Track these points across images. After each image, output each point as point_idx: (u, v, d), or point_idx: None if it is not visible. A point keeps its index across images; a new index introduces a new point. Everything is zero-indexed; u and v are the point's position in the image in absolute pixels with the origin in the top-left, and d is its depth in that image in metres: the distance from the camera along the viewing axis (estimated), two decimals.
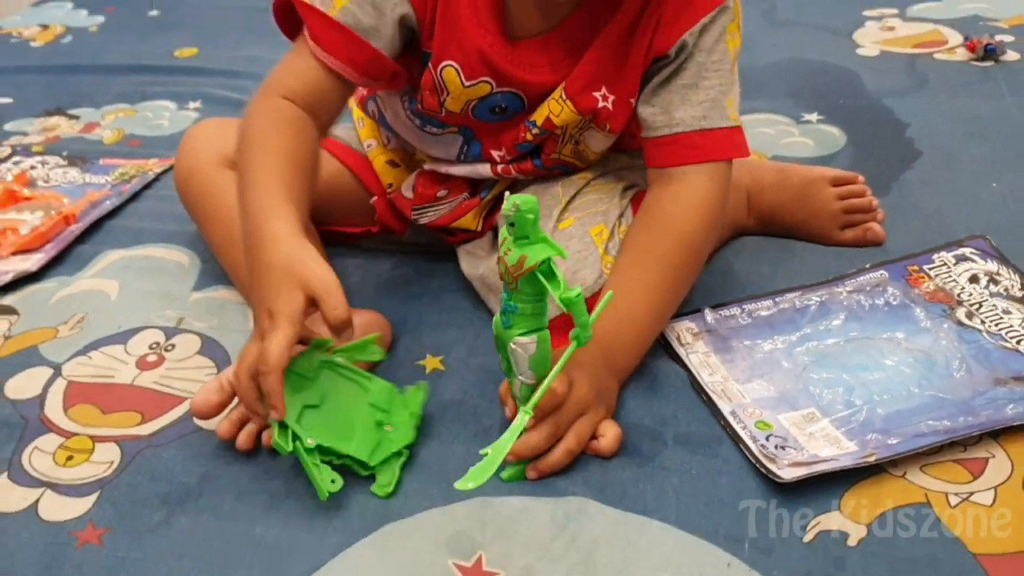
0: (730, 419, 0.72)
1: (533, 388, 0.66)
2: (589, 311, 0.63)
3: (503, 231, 0.63)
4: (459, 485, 0.59)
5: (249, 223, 0.72)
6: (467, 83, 0.81)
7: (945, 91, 1.24)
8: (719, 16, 0.78)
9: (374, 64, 0.79)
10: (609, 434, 0.70)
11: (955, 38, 1.38)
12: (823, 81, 1.29)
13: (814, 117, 1.20)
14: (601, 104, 0.82)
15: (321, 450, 0.68)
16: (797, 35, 1.45)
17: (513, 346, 0.66)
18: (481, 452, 0.61)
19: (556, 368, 0.64)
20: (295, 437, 0.67)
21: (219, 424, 0.74)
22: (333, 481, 0.67)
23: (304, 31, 0.79)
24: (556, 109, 0.82)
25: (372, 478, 0.69)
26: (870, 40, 1.41)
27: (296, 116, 0.78)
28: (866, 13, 1.51)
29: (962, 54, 1.33)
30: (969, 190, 1.01)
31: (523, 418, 0.63)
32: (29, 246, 1.04)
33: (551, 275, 0.61)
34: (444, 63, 0.80)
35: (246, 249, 0.72)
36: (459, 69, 0.80)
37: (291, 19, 0.81)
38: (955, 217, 0.96)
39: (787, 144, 1.14)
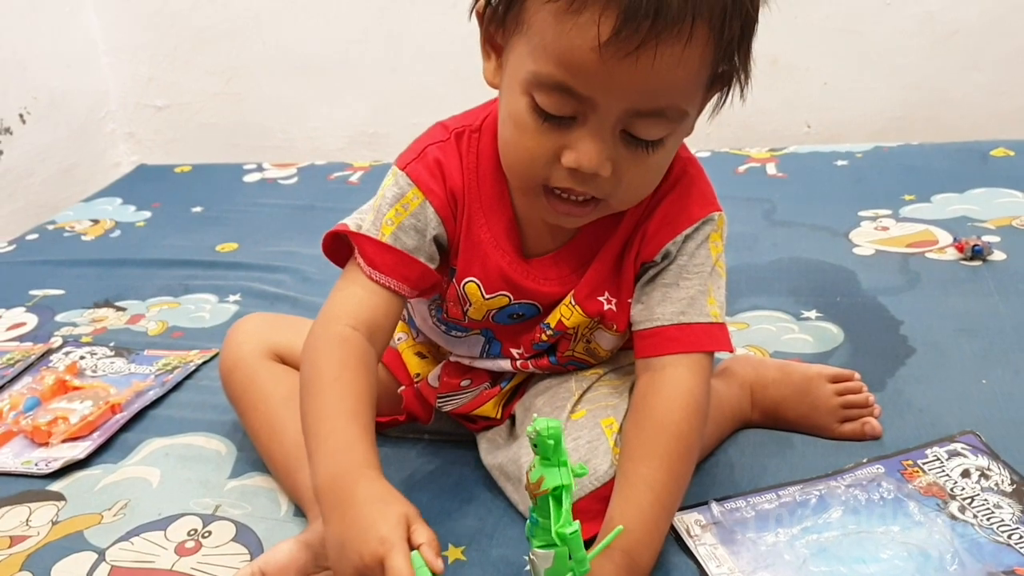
0: None
1: None
2: (596, 504, 0.69)
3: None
4: None
5: (332, 462, 0.75)
6: (487, 296, 0.90)
7: (937, 289, 1.30)
8: (702, 227, 0.87)
9: (424, 278, 0.87)
10: None
11: (945, 238, 1.46)
12: (821, 279, 1.37)
13: (813, 314, 1.27)
14: (606, 307, 0.90)
15: None
16: (796, 235, 1.54)
17: (532, 556, 0.71)
18: None
19: None
20: None
21: None
22: None
23: (357, 259, 0.87)
24: (567, 313, 0.90)
25: None
26: (865, 239, 1.50)
27: (363, 350, 0.83)
28: (862, 214, 1.59)
29: (952, 254, 1.41)
30: (960, 386, 1.06)
31: None
32: (78, 434, 1.11)
33: (559, 503, 0.67)
34: (467, 279, 0.89)
35: (323, 483, 0.74)
36: (480, 284, 0.89)
37: (338, 251, 0.90)
38: (947, 413, 1.01)
39: (788, 340, 1.21)
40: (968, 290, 1.30)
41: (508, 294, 0.90)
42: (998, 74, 2.00)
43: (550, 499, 0.67)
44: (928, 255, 1.42)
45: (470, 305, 0.91)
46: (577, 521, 0.68)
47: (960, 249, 1.40)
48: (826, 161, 1.88)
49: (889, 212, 1.60)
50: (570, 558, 0.69)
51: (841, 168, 1.84)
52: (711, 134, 2.09)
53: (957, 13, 1.97)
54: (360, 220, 0.90)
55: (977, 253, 1.37)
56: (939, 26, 1.98)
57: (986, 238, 1.41)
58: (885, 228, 1.54)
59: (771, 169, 1.87)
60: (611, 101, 0.73)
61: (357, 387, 0.80)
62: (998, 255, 1.38)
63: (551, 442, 0.66)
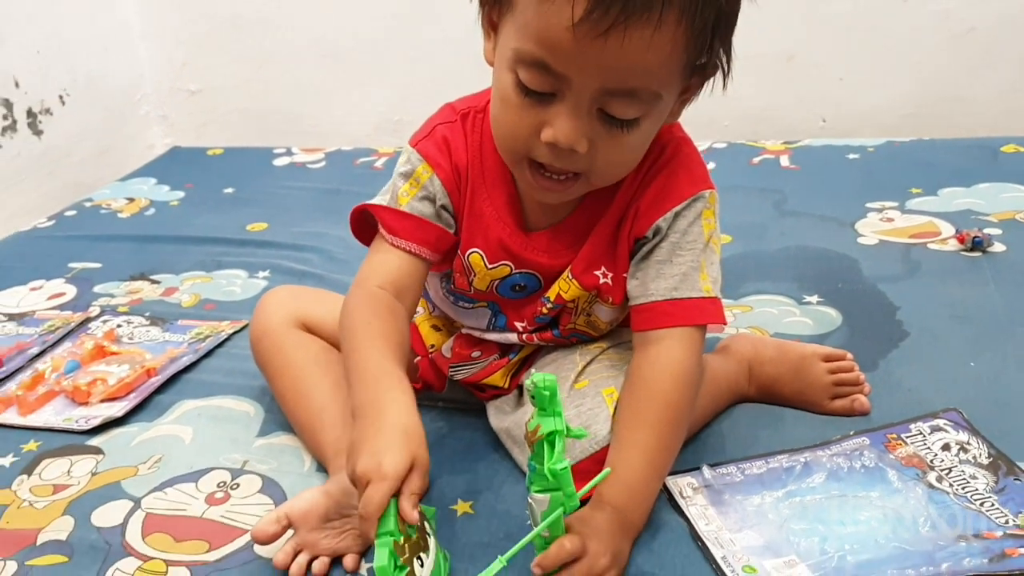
0: (721, 563, 0.83)
1: (546, 540, 0.78)
2: (596, 467, 0.77)
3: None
4: None
5: (369, 387, 0.81)
6: (490, 266, 0.96)
7: (935, 278, 1.35)
8: (693, 204, 0.92)
9: (441, 240, 0.94)
10: None
11: (948, 230, 1.51)
12: (825, 266, 1.42)
13: (814, 299, 1.32)
14: (602, 281, 0.96)
15: None
16: (804, 224, 1.59)
17: (530, 500, 0.77)
18: None
19: (541, 525, 0.76)
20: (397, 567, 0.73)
21: (275, 554, 0.85)
22: None
23: (380, 230, 0.94)
24: (565, 287, 0.97)
25: None
26: (870, 230, 1.54)
27: (391, 304, 0.90)
28: (869, 205, 1.64)
29: (953, 245, 1.45)
30: (949, 368, 1.12)
31: (499, 563, 0.73)
32: (116, 395, 1.18)
33: (552, 446, 0.74)
34: (471, 250, 0.96)
35: (360, 405, 0.80)
36: (483, 255, 0.96)
37: (364, 232, 0.97)
38: (934, 392, 1.06)
39: (788, 323, 1.26)
40: (966, 279, 1.34)
41: (509, 263, 0.96)
42: (1013, 72, 2.03)
43: (544, 444, 0.73)
44: (930, 246, 1.47)
45: (475, 275, 0.97)
46: (567, 459, 0.74)
47: (961, 240, 1.45)
48: (838, 154, 1.92)
49: (895, 204, 1.64)
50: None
51: (852, 161, 1.88)
52: (729, 126, 2.15)
53: (973, 11, 2.00)
54: (381, 199, 0.97)
55: (977, 244, 1.42)
56: (955, 23, 2.02)
57: (988, 230, 1.46)
58: (890, 219, 1.58)
59: (784, 161, 1.92)
60: (584, 79, 0.78)
61: (386, 329, 0.87)
62: (998, 247, 1.43)
63: (547, 393, 0.72)
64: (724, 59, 0.84)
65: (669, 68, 0.80)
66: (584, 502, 0.84)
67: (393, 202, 0.94)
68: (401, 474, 0.73)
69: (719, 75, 0.85)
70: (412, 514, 0.73)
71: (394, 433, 0.75)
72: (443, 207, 0.94)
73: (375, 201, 0.97)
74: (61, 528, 0.95)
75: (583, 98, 0.79)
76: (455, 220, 0.96)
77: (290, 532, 0.86)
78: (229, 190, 2.04)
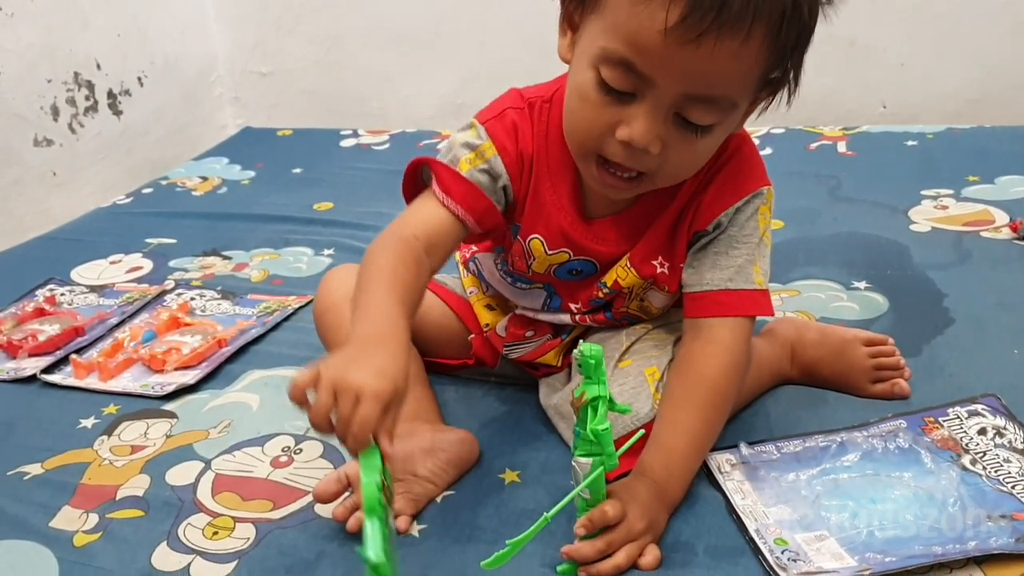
0: (754, 535, 0.86)
1: (587, 502, 0.83)
2: (641, 443, 0.82)
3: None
4: (484, 564, 0.77)
5: (374, 325, 0.80)
6: (550, 252, 1.00)
7: (986, 266, 1.36)
8: (752, 200, 0.96)
9: (488, 215, 0.96)
10: (650, 556, 0.84)
11: (1003, 218, 1.51)
12: (875, 253, 1.43)
13: (862, 285, 1.34)
14: (659, 270, 1.00)
15: None
16: (858, 211, 1.60)
17: (573, 464, 0.82)
18: (507, 542, 0.77)
19: (582, 484, 0.81)
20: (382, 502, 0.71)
21: (334, 508, 0.92)
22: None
23: (433, 185, 0.95)
24: (623, 275, 1.01)
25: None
26: (924, 217, 1.55)
27: (419, 256, 0.90)
28: (924, 192, 1.64)
29: (1006, 233, 1.45)
30: (992, 355, 1.13)
31: (543, 521, 0.78)
32: (189, 364, 1.26)
33: (595, 411, 0.78)
34: (532, 236, 1.00)
35: (358, 335, 0.79)
36: (544, 241, 1.00)
37: (412, 187, 0.99)
38: (975, 378, 1.08)
39: (835, 308, 1.28)
40: (1016, 268, 1.35)
41: (568, 251, 1.00)
42: None
43: (588, 408, 0.78)
44: (983, 234, 1.47)
45: (534, 259, 1.02)
46: (609, 421, 0.79)
47: (1014, 229, 1.45)
48: (897, 141, 1.93)
49: (951, 192, 1.64)
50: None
51: (911, 148, 1.88)
52: (788, 112, 2.14)
53: None
54: (440, 159, 0.98)
55: None
56: (1020, 10, 2.00)
57: None
58: (944, 207, 1.59)
59: (841, 147, 1.93)
60: (669, 83, 0.80)
61: (407, 279, 0.86)
62: None
63: (592, 362, 0.77)
64: (793, 75, 0.87)
65: (749, 79, 0.83)
66: (625, 474, 0.90)
67: (453, 165, 0.95)
68: (390, 405, 0.73)
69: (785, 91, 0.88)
70: (392, 449, 0.73)
71: (395, 361, 0.75)
72: (503, 187, 0.97)
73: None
74: (138, 485, 1.02)
75: (663, 101, 0.82)
76: (508, 203, 0.99)
77: (349, 491, 0.91)
78: (297, 170, 2.11)
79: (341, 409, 0.71)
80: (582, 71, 0.86)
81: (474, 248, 1.11)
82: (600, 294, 1.03)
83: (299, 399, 0.74)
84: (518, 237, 1.01)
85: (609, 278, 1.02)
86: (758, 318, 0.98)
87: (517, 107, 0.98)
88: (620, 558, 0.83)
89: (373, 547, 0.67)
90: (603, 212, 1.00)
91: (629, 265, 1.00)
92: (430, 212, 0.94)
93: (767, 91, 0.88)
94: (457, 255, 1.20)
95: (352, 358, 0.75)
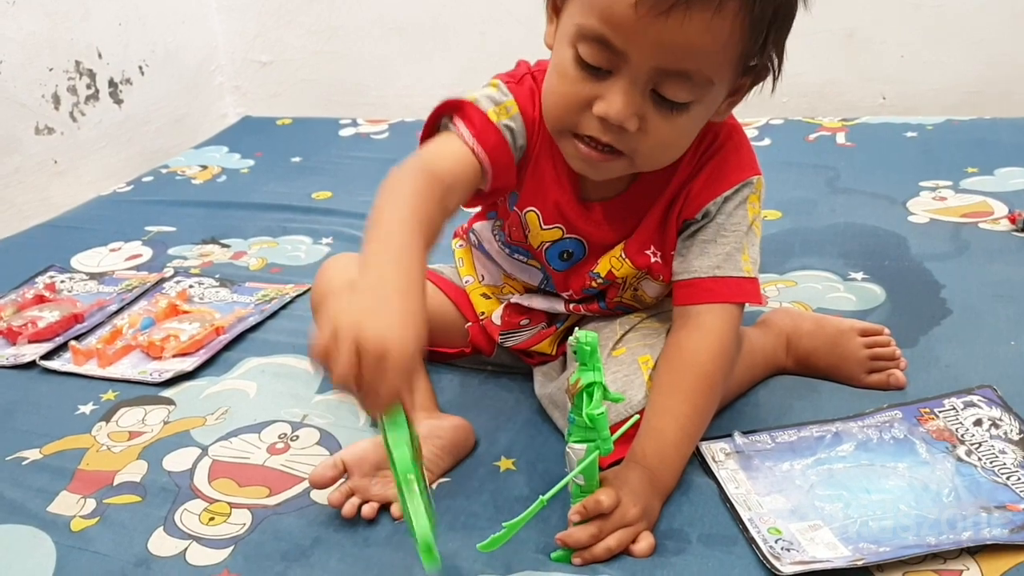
0: (748, 524, 0.87)
1: (582, 488, 0.83)
2: (631, 431, 0.81)
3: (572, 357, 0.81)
4: (480, 547, 0.78)
5: (391, 258, 0.75)
6: (544, 226, 1.01)
7: (983, 257, 1.36)
8: (741, 189, 0.96)
9: (505, 169, 0.94)
10: (644, 543, 0.84)
11: (1001, 209, 1.51)
12: (873, 244, 1.43)
13: (859, 276, 1.34)
14: (653, 260, 1.00)
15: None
16: (856, 202, 1.60)
17: (568, 450, 0.83)
18: (503, 524, 0.78)
19: (577, 468, 0.81)
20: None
21: (330, 494, 0.92)
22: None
23: (458, 127, 0.92)
24: (617, 265, 1.01)
25: None
26: (922, 208, 1.55)
27: (441, 191, 0.85)
28: (922, 184, 1.64)
29: (1005, 224, 1.45)
30: (989, 346, 1.13)
31: (540, 503, 0.79)
32: (187, 351, 1.26)
33: (590, 396, 0.79)
34: (528, 208, 1.00)
35: (373, 265, 0.75)
36: (539, 214, 1.00)
37: (433, 132, 0.97)
38: (971, 369, 1.08)
39: (832, 298, 1.28)
40: (1014, 259, 1.35)
41: (562, 227, 1.01)
42: None
43: (584, 394, 0.78)
44: (981, 225, 1.47)
45: (530, 231, 1.02)
46: (604, 406, 0.79)
47: (1013, 220, 1.45)
48: (896, 132, 1.92)
49: (950, 183, 1.64)
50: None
51: (910, 139, 1.88)
52: (787, 103, 2.15)
53: None
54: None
55: None
56: (1019, 1, 1.99)
57: None
58: (943, 198, 1.58)
59: (840, 138, 1.93)
60: (642, 57, 0.81)
61: (432, 213, 0.83)
62: None
63: (588, 348, 0.78)
64: (776, 62, 0.87)
65: (724, 56, 0.83)
66: (619, 460, 0.90)
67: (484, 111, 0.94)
68: (412, 366, 0.70)
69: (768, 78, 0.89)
70: (416, 414, 0.72)
71: (416, 313, 0.71)
72: (520, 147, 0.97)
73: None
74: (135, 471, 1.03)
75: (639, 76, 0.82)
76: (519, 164, 0.98)
77: (344, 477, 0.92)
78: (296, 159, 2.11)
79: (366, 372, 0.67)
80: (561, 50, 0.87)
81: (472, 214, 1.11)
82: (593, 284, 1.04)
83: (323, 357, 0.70)
84: (514, 208, 1.01)
85: (603, 268, 1.02)
86: (754, 308, 0.99)
87: (532, 73, 0.98)
88: (612, 542, 0.83)
89: (419, 526, 0.67)
90: (598, 196, 1.00)
91: (624, 256, 1.01)
92: (455, 150, 0.91)
93: (747, 78, 0.88)
94: (454, 242, 1.20)
95: (371, 307, 0.70)
